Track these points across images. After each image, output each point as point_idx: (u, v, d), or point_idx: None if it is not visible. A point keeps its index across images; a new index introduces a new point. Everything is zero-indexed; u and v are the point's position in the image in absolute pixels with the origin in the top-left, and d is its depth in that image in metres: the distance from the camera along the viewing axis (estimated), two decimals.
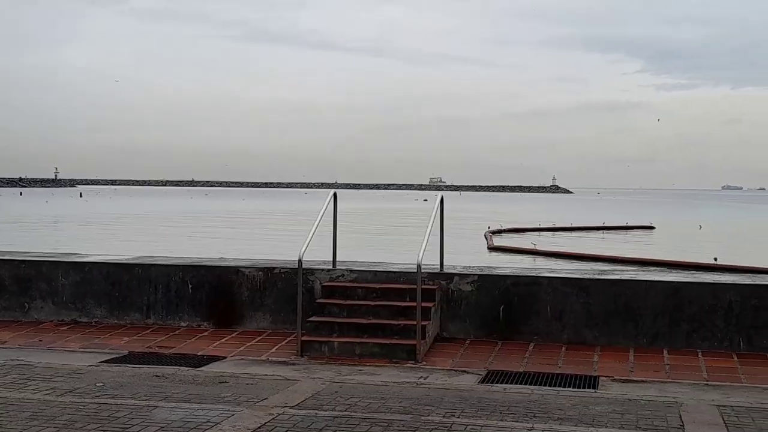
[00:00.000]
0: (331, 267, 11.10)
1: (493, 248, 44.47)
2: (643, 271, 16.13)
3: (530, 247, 43.11)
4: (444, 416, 7.28)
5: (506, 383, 8.58)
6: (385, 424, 7.02)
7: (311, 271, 10.91)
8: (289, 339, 10.42)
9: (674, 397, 8.02)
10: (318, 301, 10.61)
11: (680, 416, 7.37)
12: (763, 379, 8.79)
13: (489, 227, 58.06)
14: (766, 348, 9.84)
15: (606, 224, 66.19)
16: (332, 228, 11.16)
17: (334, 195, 11.05)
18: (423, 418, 7.22)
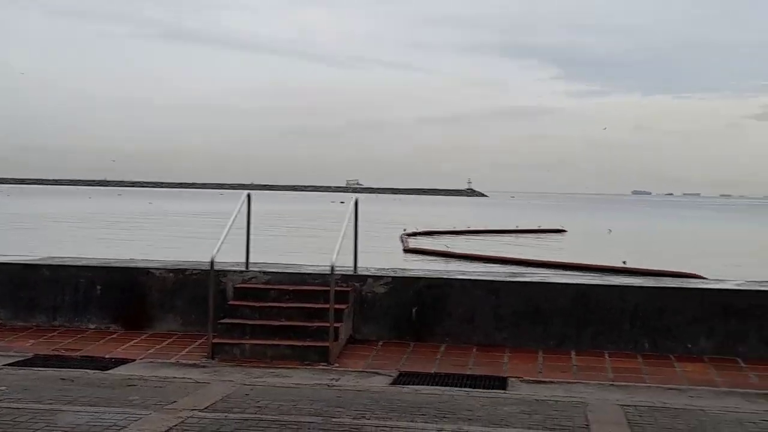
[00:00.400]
0: (244, 268, 11.02)
1: (408, 250, 44.72)
2: (554, 273, 16.43)
3: (444, 249, 43.49)
4: (355, 418, 7.29)
5: (417, 384, 8.63)
6: (296, 427, 6.99)
7: (223, 273, 10.81)
8: (200, 341, 10.30)
9: (581, 398, 8.18)
10: (230, 302, 10.52)
11: (586, 416, 7.52)
12: (666, 379, 9.03)
13: (404, 230, 58.35)
14: (669, 349, 10.10)
15: (519, 227, 67.17)
16: (245, 229, 11.09)
17: (248, 196, 10.98)
18: (333, 419, 7.22)
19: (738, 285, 10.80)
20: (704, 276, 24.83)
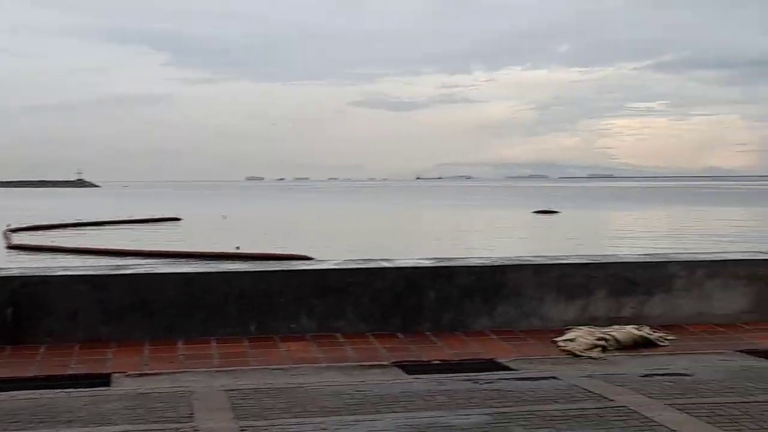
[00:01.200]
0: None
1: (11, 247, 42.15)
2: (163, 263, 16.28)
3: (52, 244, 41.55)
4: None
5: (13, 391, 8.10)
6: None
7: None
8: None
9: (187, 387, 8.15)
10: None
11: (191, 405, 7.51)
12: (270, 360, 9.28)
13: (8, 225, 54.83)
14: (275, 330, 10.39)
15: (133, 218, 65.91)
16: None
17: None
18: None
19: (337, 264, 11.37)
20: (313, 257, 25.99)
